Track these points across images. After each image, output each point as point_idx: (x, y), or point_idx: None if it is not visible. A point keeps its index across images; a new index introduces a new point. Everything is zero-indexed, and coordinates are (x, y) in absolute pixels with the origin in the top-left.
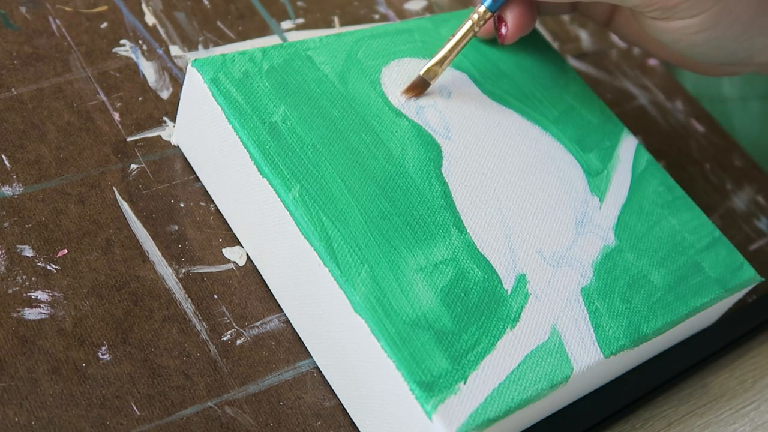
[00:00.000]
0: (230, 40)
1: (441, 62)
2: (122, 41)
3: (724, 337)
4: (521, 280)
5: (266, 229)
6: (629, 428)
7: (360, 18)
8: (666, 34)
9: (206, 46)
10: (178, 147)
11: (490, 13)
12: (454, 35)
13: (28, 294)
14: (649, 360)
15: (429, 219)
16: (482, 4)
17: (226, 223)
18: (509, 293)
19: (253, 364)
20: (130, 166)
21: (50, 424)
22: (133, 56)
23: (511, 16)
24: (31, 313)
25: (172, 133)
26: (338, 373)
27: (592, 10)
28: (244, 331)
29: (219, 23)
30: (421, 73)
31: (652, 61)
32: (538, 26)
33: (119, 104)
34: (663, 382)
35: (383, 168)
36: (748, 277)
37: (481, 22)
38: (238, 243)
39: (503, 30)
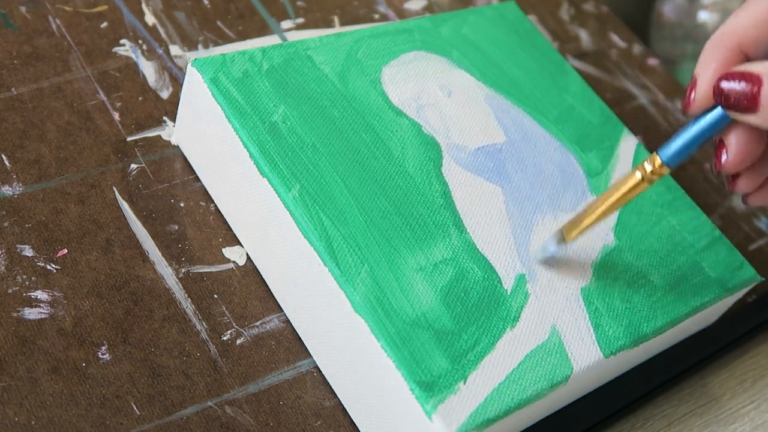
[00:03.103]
0: (230, 40)
1: (589, 221)
2: (122, 41)
3: (724, 337)
4: (521, 279)
5: (266, 229)
6: (629, 428)
7: (360, 18)
8: None
9: (206, 46)
10: (178, 147)
11: (667, 169)
12: (611, 193)
13: (28, 294)
14: (649, 360)
15: (429, 219)
16: (659, 154)
17: (226, 222)
18: (509, 293)
19: (253, 363)
20: (130, 165)
21: (50, 423)
22: (133, 56)
23: (736, 144)
24: (31, 313)
25: (172, 132)
26: (338, 373)
27: None
28: (244, 330)
29: (219, 23)
30: (567, 236)
31: (652, 61)
32: (538, 26)
33: (119, 104)
34: (663, 382)
35: (383, 167)
36: (748, 276)
37: (655, 178)
38: (238, 243)
39: (723, 157)
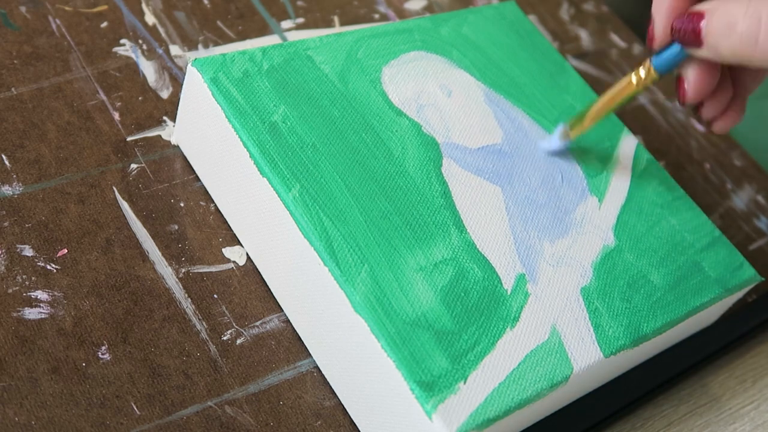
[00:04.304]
0: (230, 40)
1: (589, 119)
2: (122, 41)
3: (724, 337)
4: (521, 279)
5: (266, 229)
6: (629, 428)
7: (360, 18)
8: None
9: (206, 46)
10: (178, 146)
11: (657, 76)
12: (607, 92)
13: (28, 293)
14: (649, 360)
15: (429, 219)
16: (652, 63)
17: (226, 222)
18: (509, 293)
19: (253, 363)
20: (130, 165)
21: (50, 423)
22: (133, 56)
23: (693, 75)
24: (31, 313)
25: (172, 132)
26: (338, 373)
27: None
28: (244, 330)
29: (219, 23)
30: (564, 127)
31: None
32: (538, 26)
33: (119, 104)
34: (663, 382)
35: (383, 167)
36: (748, 276)
37: (648, 83)
38: (238, 242)
39: (685, 89)
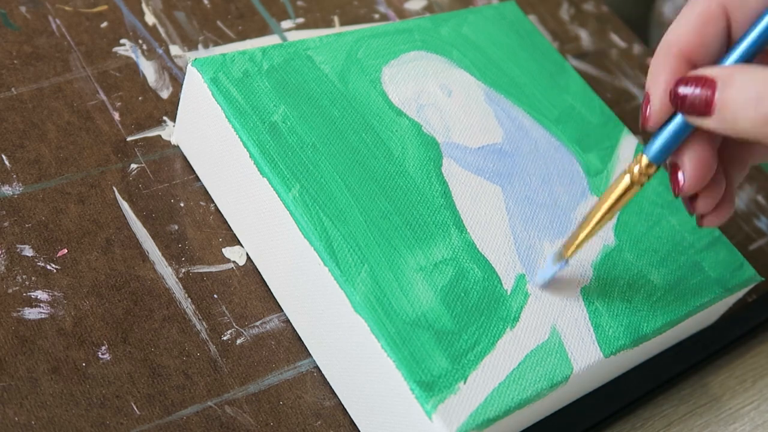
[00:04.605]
0: (230, 40)
1: (585, 233)
2: (122, 41)
3: (724, 337)
4: (521, 280)
5: (266, 229)
6: (629, 428)
7: (360, 18)
8: None
9: (206, 46)
10: (178, 146)
11: (654, 168)
12: (604, 202)
13: (28, 293)
14: (649, 360)
15: (429, 218)
16: (644, 153)
17: (226, 222)
18: (509, 293)
19: (253, 363)
20: (130, 165)
21: (50, 423)
22: (133, 56)
23: (690, 164)
24: (31, 313)
25: (172, 132)
26: (338, 373)
27: None
28: (244, 330)
29: (219, 23)
30: (564, 252)
31: None
32: (538, 26)
33: (119, 104)
34: (663, 382)
35: (383, 167)
36: (748, 276)
37: (644, 179)
38: (238, 243)
39: (680, 180)
